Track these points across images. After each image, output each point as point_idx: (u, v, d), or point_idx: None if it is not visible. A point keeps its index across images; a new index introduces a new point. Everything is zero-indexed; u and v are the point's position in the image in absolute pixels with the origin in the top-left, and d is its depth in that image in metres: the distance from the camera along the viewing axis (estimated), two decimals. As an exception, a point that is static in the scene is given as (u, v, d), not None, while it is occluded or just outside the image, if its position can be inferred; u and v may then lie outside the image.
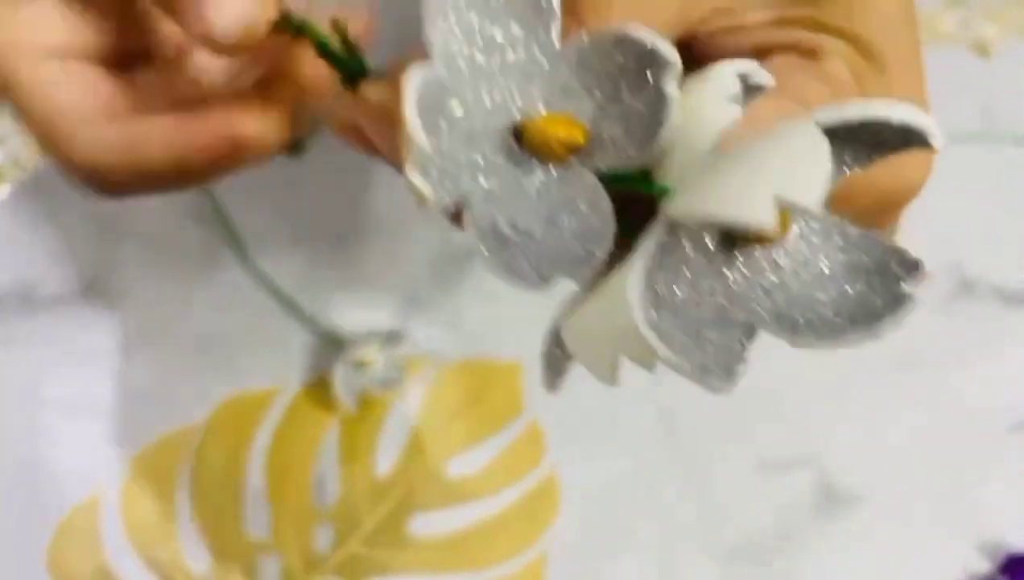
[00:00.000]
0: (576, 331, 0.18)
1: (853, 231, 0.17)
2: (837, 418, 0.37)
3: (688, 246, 0.17)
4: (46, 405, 0.36)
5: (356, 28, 0.24)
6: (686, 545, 0.36)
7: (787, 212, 0.17)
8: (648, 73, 0.17)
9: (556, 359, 0.19)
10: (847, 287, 0.17)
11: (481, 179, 0.18)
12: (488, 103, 0.18)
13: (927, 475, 0.37)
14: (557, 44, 0.18)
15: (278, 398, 0.37)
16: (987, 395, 0.38)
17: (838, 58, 0.22)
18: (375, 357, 0.37)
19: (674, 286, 0.17)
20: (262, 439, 0.36)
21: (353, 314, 0.38)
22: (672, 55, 0.17)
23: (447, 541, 0.36)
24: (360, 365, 0.36)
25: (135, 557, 0.35)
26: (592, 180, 0.18)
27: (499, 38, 0.18)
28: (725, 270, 0.17)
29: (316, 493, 0.36)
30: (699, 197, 0.15)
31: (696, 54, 0.23)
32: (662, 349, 0.16)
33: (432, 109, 0.18)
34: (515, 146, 0.18)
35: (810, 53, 0.22)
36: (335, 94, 0.23)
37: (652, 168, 0.18)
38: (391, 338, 0.37)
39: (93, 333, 0.37)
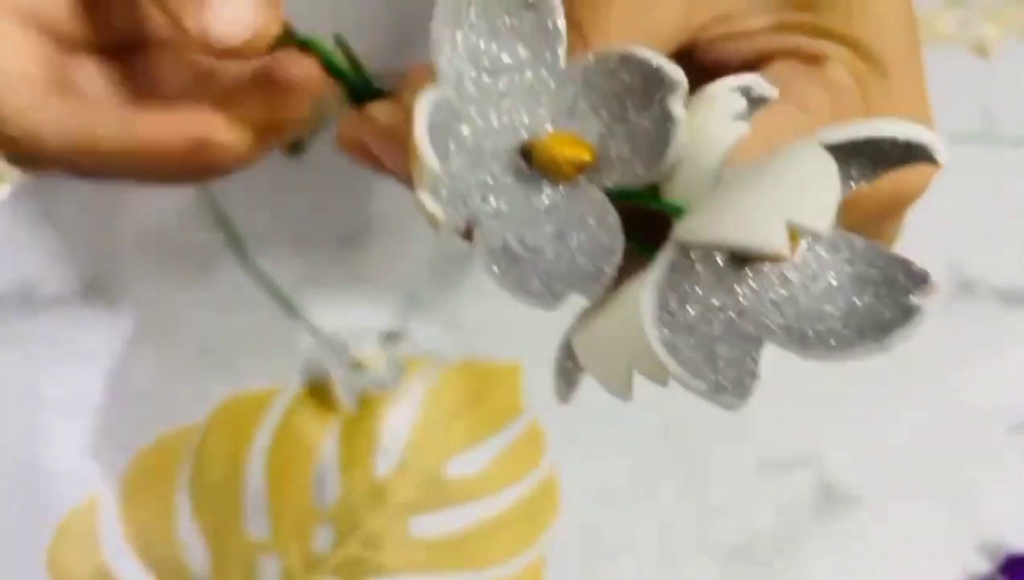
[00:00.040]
0: (588, 346, 0.18)
1: (860, 243, 0.17)
2: (837, 418, 0.37)
3: (699, 265, 0.17)
4: (46, 405, 0.36)
5: None
6: (686, 545, 0.36)
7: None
8: (654, 92, 0.18)
9: (568, 371, 0.19)
10: (855, 299, 0.17)
11: (491, 198, 0.18)
12: (496, 123, 0.19)
13: (927, 475, 0.37)
14: (563, 64, 0.19)
15: (278, 398, 0.37)
16: (987, 395, 0.38)
17: (839, 63, 0.22)
18: (375, 357, 0.37)
19: (686, 304, 0.17)
20: (262, 439, 0.36)
21: (353, 314, 0.38)
22: (678, 75, 0.17)
23: (447, 541, 0.36)
24: (360, 365, 0.36)
25: (134, 558, 0.35)
26: (600, 197, 0.18)
27: (506, 60, 0.19)
28: (735, 286, 0.17)
29: (316, 493, 0.36)
30: (711, 221, 0.16)
31: (697, 61, 0.23)
32: (678, 371, 0.16)
33: (442, 132, 0.18)
34: (523, 165, 0.19)
35: (811, 59, 0.22)
36: (340, 110, 0.23)
37: (659, 185, 0.18)
38: (391, 338, 0.37)
39: (93, 333, 0.37)
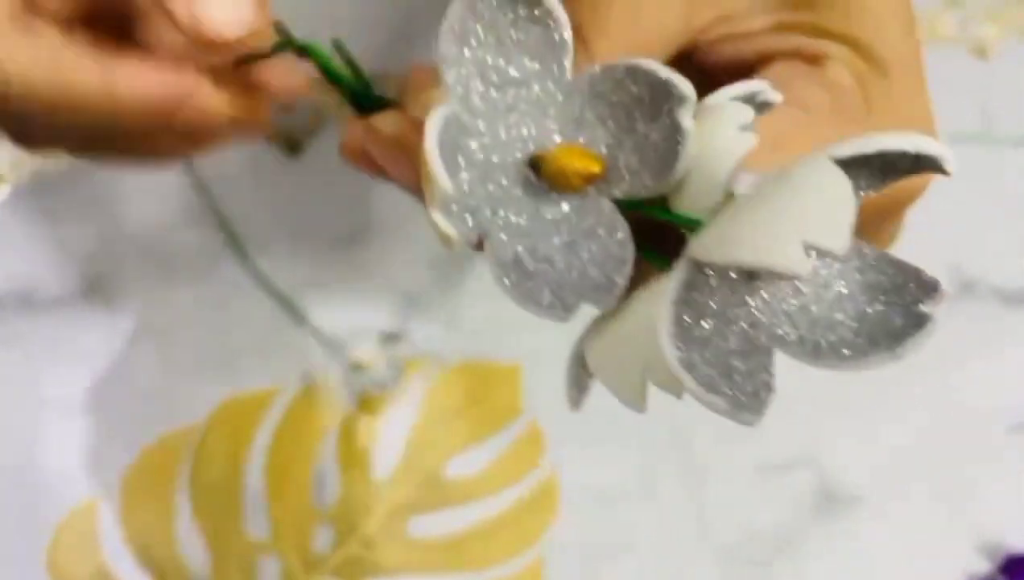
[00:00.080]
0: (601, 356, 0.18)
1: (870, 252, 0.17)
2: (837, 418, 0.37)
3: (714, 280, 0.17)
4: (46, 405, 0.36)
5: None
6: (686, 545, 0.36)
7: None
8: (662, 104, 0.18)
9: (580, 379, 0.19)
10: (866, 308, 0.17)
11: (501, 211, 0.18)
12: (504, 136, 0.19)
13: (927, 475, 0.37)
14: (570, 76, 0.19)
15: (278, 398, 0.37)
16: (987, 395, 0.38)
17: (839, 63, 0.22)
18: (374, 358, 0.37)
19: (701, 319, 0.17)
20: (262, 439, 0.36)
21: (352, 315, 0.38)
22: (687, 88, 0.17)
23: (446, 542, 0.36)
24: (359, 366, 0.36)
25: (134, 558, 0.35)
26: (610, 208, 0.18)
27: (513, 73, 0.19)
28: (748, 298, 0.17)
29: (315, 494, 0.36)
30: (727, 241, 0.16)
31: (697, 63, 0.23)
32: (697, 389, 0.16)
33: (451, 148, 0.18)
34: (532, 178, 0.19)
35: (811, 59, 0.22)
36: (339, 112, 0.24)
37: (668, 196, 0.18)
38: (390, 339, 0.37)
39: (93, 333, 0.37)
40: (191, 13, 0.22)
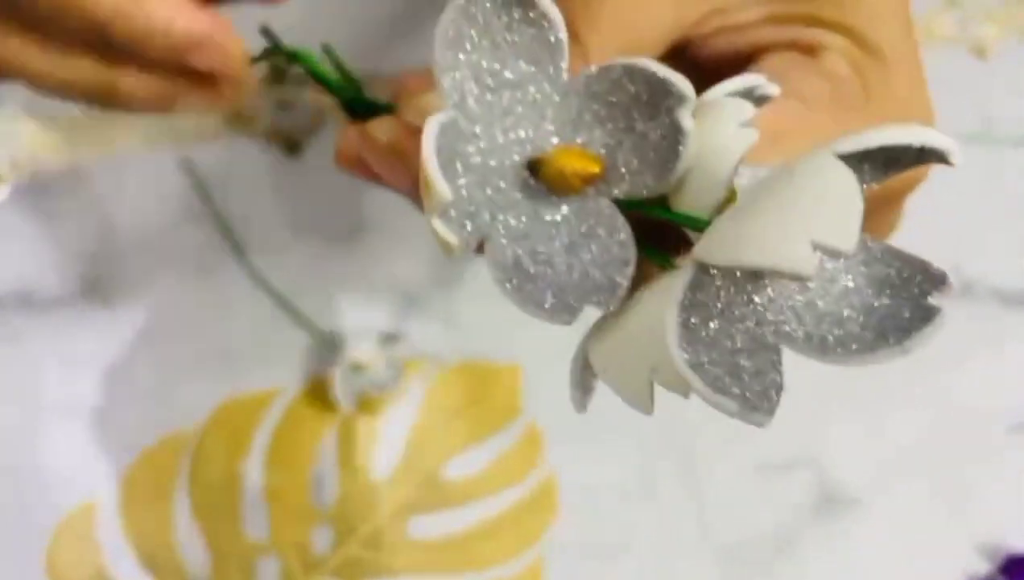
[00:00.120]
0: (607, 359, 0.18)
1: (876, 245, 0.17)
2: (837, 419, 0.37)
3: (719, 280, 0.17)
4: (45, 406, 0.36)
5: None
6: (686, 545, 0.36)
7: None
8: (661, 102, 0.18)
9: (585, 380, 0.19)
10: (874, 302, 0.17)
11: (500, 215, 0.18)
12: (501, 140, 0.19)
13: (927, 476, 0.37)
14: (566, 77, 0.19)
15: (277, 399, 0.37)
16: (987, 395, 0.38)
17: (835, 52, 0.22)
18: (374, 358, 0.37)
19: (707, 321, 0.17)
20: (261, 440, 0.36)
21: (352, 315, 0.38)
22: (686, 87, 0.17)
23: (446, 542, 0.36)
24: (359, 366, 0.36)
25: (133, 559, 0.35)
26: (611, 209, 0.18)
27: (509, 76, 0.19)
28: (754, 296, 0.17)
29: (315, 494, 0.36)
30: (733, 242, 0.15)
31: (691, 57, 0.23)
32: (705, 391, 0.16)
33: (448, 153, 0.18)
34: (531, 180, 0.19)
35: (807, 49, 0.22)
36: (337, 114, 0.24)
37: (669, 194, 0.18)
38: (390, 339, 0.37)
39: (92, 335, 0.37)
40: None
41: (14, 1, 0.25)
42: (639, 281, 0.18)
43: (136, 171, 0.39)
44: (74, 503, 0.35)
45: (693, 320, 0.16)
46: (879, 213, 0.22)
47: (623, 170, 0.18)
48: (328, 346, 0.37)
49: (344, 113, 0.24)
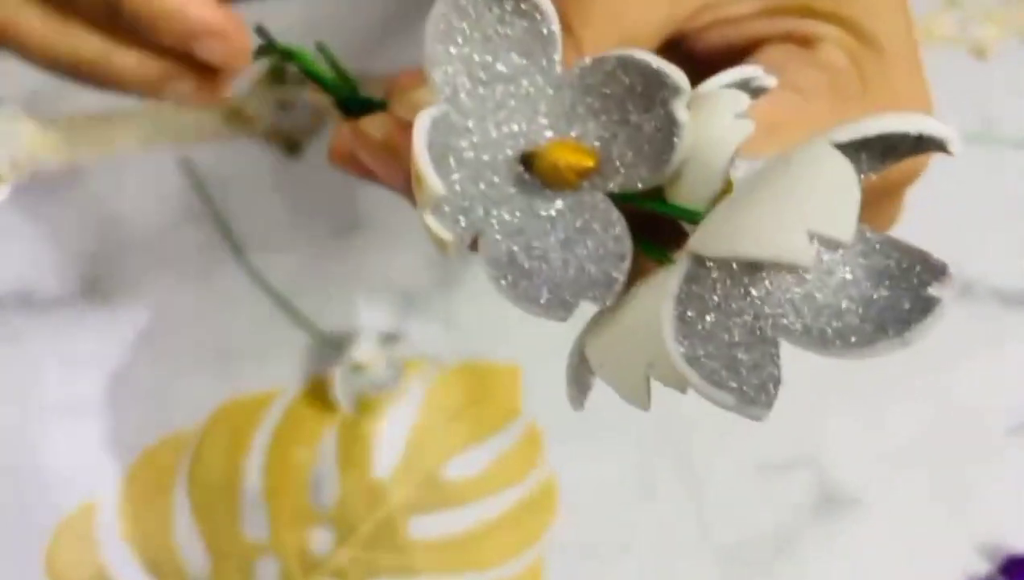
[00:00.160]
0: (603, 355, 0.18)
1: (875, 236, 0.17)
2: (837, 418, 0.37)
3: (715, 272, 0.17)
4: (45, 406, 0.36)
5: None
6: (686, 545, 0.36)
7: None
8: (655, 94, 0.17)
9: (581, 377, 0.19)
10: (872, 293, 0.16)
11: (494, 211, 0.18)
12: (494, 134, 0.18)
13: (926, 476, 0.37)
14: (559, 69, 0.18)
15: (277, 400, 0.37)
16: (987, 395, 0.38)
17: (832, 43, 0.21)
18: (373, 359, 0.37)
19: (704, 314, 0.16)
20: (260, 441, 0.36)
21: (352, 315, 0.38)
22: (680, 79, 0.17)
23: (446, 543, 0.36)
24: (358, 367, 0.36)
25: (133, 559, 0.35)
26: (606, 203, 0.18)
27: (501, 69, 0.18)
28: (751, 288, 0.17)
29: (314, 495, 0.36)
30: (730, 234, 0.15)
31: (686, 50, 0.23)
32: (702, 385, 0.15)
33: (441, 148, 0.18)
34: (525, 175, 0.18)
35: (803, 41, 0.22)
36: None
37: (664, 187, 0.18)
38: (389, 339, 0.37)
39: (92, 335, 0.37)
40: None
41: None
42: (635, 276, 0.17)
43: (136, 171, 0.39)
44: (74, 503, 0.35)
45: (689, 313, 0.16)
46: (880, 205, 0.22)
47: (618, 163, 0.18)
48: (328, 346, 0.37)
49: (339, 111, 0.24)
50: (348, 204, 0.39)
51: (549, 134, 0.19)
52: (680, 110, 0.17)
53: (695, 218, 0.17)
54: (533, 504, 0.36)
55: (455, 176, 0.18)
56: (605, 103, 0.18)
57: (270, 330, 0.37)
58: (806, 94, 0.20)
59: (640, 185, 0.18)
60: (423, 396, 0.37)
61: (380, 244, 0.38)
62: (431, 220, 0.17)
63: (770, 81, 0.19)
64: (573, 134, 0.18)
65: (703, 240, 0.16)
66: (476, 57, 0.18)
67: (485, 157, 0.18)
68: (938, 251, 0.16)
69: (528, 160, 0.18)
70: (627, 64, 0.18)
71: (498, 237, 0.18)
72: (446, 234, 0.17)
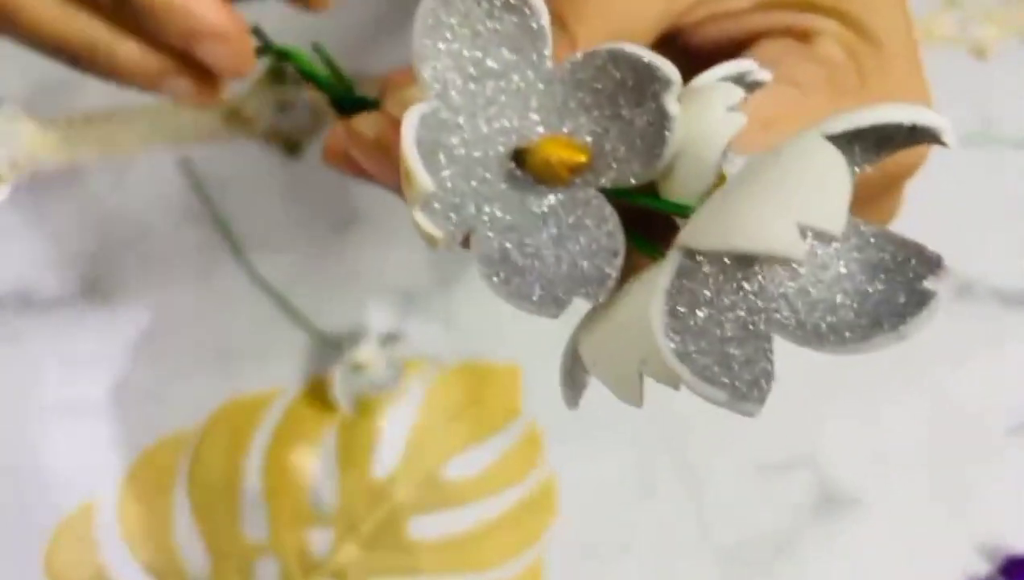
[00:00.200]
0: (596, 352, 0.18)
1: (869, 229, 0.17)
2: (837, 419, 0.37)
3: (707, 267, 0.16)
4: (45, 407, 0.36)
5: None
6: (685, 547, 0.36)
7: None
8: (647, 88, 0.17)
9: (575, 376, 0.19)
10: (867, 287, 0.16)
11: (485, 207, 0.18)
12: (485, 130, 0.18)
13: (926, 476, 0.37)
14: (550, 64, 0.18)
15: (276, 400, 0.37)
16: (987, 396, 0.38)
17: (830, 38, 0.21)
18: (373, 359, 0.37)
19: (695, 309, 0.16)
20: (260, 441, 0.36)
21: (351, 316, 0.38)
22: (671, 72, 0.17)
23: (445, 543, 0.36)
24: (358, 367, 0.36)
25: (132, 559, 0.35)
26: (598, 199, 0.18)
27: (491, 64, 0.18)
28: (744, 283, 0.16)
29: (314, 496, 0.36)
30: (719, 227, 0.15)
31: (682, 45, 0.22)
32: (694, 381, 0.15)
33: (431, 145, 0.18)
34: (517, 171, 0.18)
35: (801, 35, 0.21)
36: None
37: (657, 181, 0.18)
38: (389, 340, 0.37)
39: (92, 335, 0.37)
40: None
41: None
42: (629, 272, 0.17)
43: (135, 171, 0.39)
44: (74, 503, 0.35)
45: (681, 308, 0.16)
46: (879, 199, 0.22)
47: (610, 158, 0.18)
48: (328, 346, 0.37)
49: (335, 110, 0.24)
50: (348, 204, 0.39)
51: (541, 130, 0.18)
52: (671, 103, 0.17)
53: (687, 213, 0.17)
54: (533, 504, 0.36)
55: (446, 173, 0.18)
56: (596, 98, 0.18)
57: (270, 330, 0.37)
58: (803, 89, 0.20)
59: (633, 180, 0.18)
60: (423, 396, 0.37)
61: (380, 244, 0.38)
62: (420, 216, 0.17)
63: (765, 75, 0.18)
64: (565, 130, 0.18)
65: (693, 234, 0.16)
66: (466, 53, 0.18)
67: (476, 153, 0.18)
68: (938, 251, 0.16)
69: (520, 156, 0.18)
70: (618, 58, 0.17)
71: (490, 234, 0.18)
72: (435, 230, 0.17)
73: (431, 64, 0.18)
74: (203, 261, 0.38)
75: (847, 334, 0.16)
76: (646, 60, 0.17)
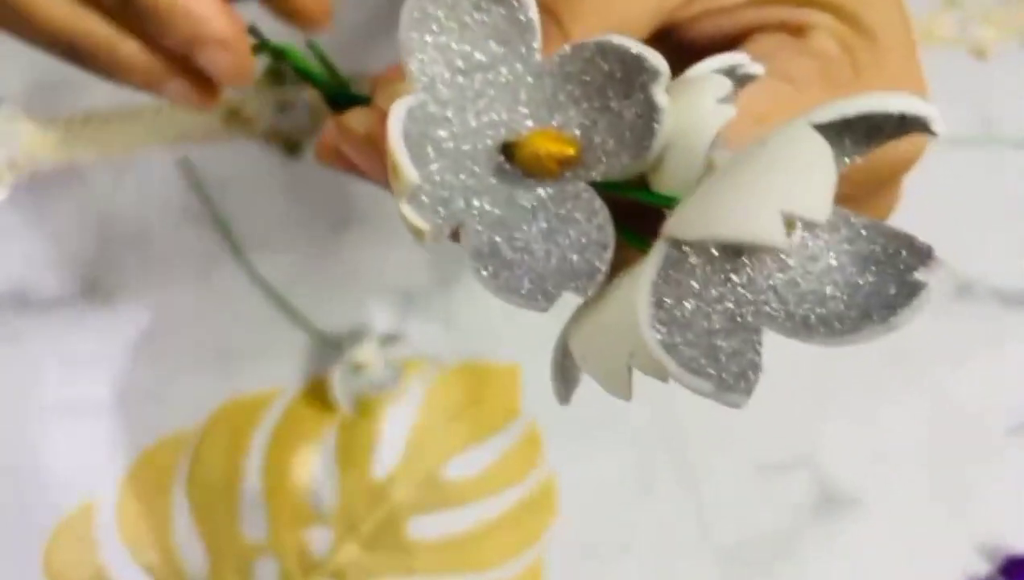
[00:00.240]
0: (586, 346, 0.18)
1: (859, 221, 0.17)
2: (836, 419, 0.37)
3: (693, 258, 0.16)
4: (44, 407, 0.36)
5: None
6: (685, 547, 0.36)
7: None
8: (635, 80, 0.17)
9: (566, 371, 0.19)
10: (857, 279, 0.16)
11: (474, 201, 0.18)
12: (474, 123, 0.18)
13: (926, 476, 0.37)
14: (539, 57, 0.18)
15: (276, 400, 0.37)
16: (986, 396, 0.38)
17: (824, 32, 0.21)
18: (373, 359, 0.37)
19: (682, 300, 0.16)
20: (260, 441, 0.36)
21: (351, 316, 0.38)
22: (659, 62, 0.17)
23: (445, 544, 0.36)
24: (358, 367, 0.36)
25: (131, 559, 0.35)
26: (588, 192, 0.18)
27: (479, 57, 0.18)
28: (732, 274, 0.16)
29: (313, 496, 0.36)
30: (703, 216, 0.15)
31: (677, 41, 0.22)
32: (680, 372, 0.15)
33: (419, 138, 0.17)
34: (506, 165, 0.18)
35: (794, 29, 0.21)
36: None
37: (647, 174, 0.18)
38: (389, 340, 0.37)
39: (91, 335, 0.37)
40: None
41: None
42: (619, 266, 0.17)
43: (135, 171, 0.39)
44: (73, 503, 0.35)
45: (667, 300, 0.16)
46: (877, 193, 0.22)
47: (599, 151, 0.18)
48: (328, 346, 0.37)
49: (329, 108, 0.24)
50: (347, 204, 0.39)
51: (530, 123, 0.18)
52: (659, 94, 0.17)
53: (673, 204, 0.17)
54: (533, 504, 0.36)
55: (434, 166, 0.18)
56: (585, 90, 0.18)
57: (270, 330, 0.37)
58: (797, 83, 0.20)
59: (622, 173, 0.18)
60: (423, 396, 0.37)
61: (379, 244, 0.38)
62: (407, 209, 0.17)
63: (757, 68, 0.18)
64: (554, 123, 0.18)
65: (678, 223, 0.16)
66: (453, 45, 0.18)
67: (465, 147, 0.18)
68: (938, 251, 0.16)
69: (509, 150, 0.18)
70: (606, 50, 0.17)
71: (479, 228, 0.18)
72: (422, 223, 0.17)
73: (418, 57, 0.18)
74: (203, 261, 0.38)
75: (836, 325, 0.16)
76: (634, 51, 0.17)
